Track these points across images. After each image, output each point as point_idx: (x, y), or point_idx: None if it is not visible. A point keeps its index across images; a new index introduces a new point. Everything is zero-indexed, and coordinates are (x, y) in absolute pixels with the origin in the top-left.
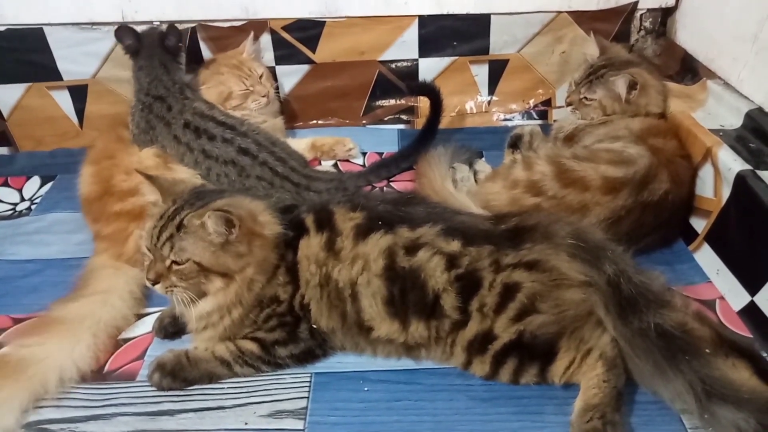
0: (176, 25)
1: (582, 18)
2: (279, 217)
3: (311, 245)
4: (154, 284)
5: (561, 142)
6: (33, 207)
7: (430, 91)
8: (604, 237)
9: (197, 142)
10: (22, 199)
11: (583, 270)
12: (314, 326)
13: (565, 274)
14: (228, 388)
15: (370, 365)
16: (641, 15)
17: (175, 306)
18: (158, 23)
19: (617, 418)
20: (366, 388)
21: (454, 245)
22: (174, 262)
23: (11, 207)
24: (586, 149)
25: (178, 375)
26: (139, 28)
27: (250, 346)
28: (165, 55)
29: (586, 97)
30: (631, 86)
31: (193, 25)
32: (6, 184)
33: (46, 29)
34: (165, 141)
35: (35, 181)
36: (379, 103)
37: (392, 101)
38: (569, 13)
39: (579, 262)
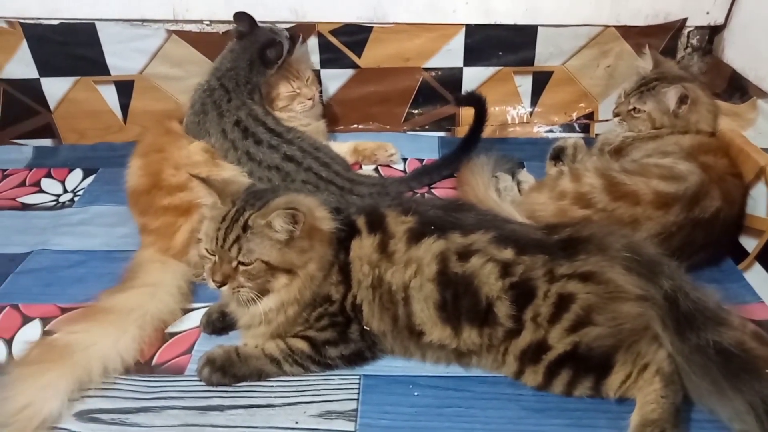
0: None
1: (629, 33)
2: (333, 214)
3: (364, 246)
4: (221, 286)
5: (607, 155)
6: (76, 199)
7: (477, 101)
8: (659, 251)
9: (243, 142)
10: (65, 191)
11: (639, 284)
12: (366, 328)
13: (622, 287)
14: (277, 386)
15: (418, 370)
16: (689, 32)
17: (227, 303)
18: (208, 22)
19: None
20: (416, 393)
21: (508, 253)
22: (241, 262)
23: (54, 198)
24: (636, 163)
25: (227, 371)
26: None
27: (301, 344)
28: (258, 57)
29: (635, 108)
30: (682, 99)
31: None
32: (49, 176)
33: (98, 24)
34: (212, 130)
35: (77, 173)
36: (421, 110)
37: (434, 108)
38: (617, 27)
39: (635, 276)
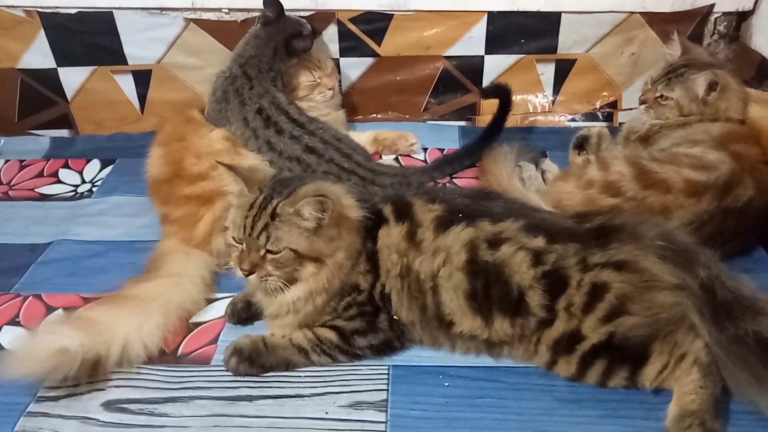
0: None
1: (655, 20)
2: (360, 202)
3: (391, 235)
4: (248, 275)
5: (633, 143)
6: (94, 189)
7: (503, 92)
8: (693, 240)
9: (264, 131)
10: (83, 182)
11: (675, 273)
12: (395, 317)
13: (657, 276)
14: (305, 376)
15: (448, 360)
16: (716, 18)
17: (253, 292)
18: (227, 11)
19: (717, 427)
20: (446, 384)
21: (539, 241)
22: (269, 251)
23: (73, 188)
24: (665, 152)
25: (255, 361)
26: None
27: (329, 334)
28: (284, 46)
29: (662, 96)
30: (711, 86)
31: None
32: (67, 166)
33: (115, 13)
34: (233, 119)
35: (95, 164)
36: (441, 98)
37: (454, 98)
38: (642, 14)
39: (670, 265)
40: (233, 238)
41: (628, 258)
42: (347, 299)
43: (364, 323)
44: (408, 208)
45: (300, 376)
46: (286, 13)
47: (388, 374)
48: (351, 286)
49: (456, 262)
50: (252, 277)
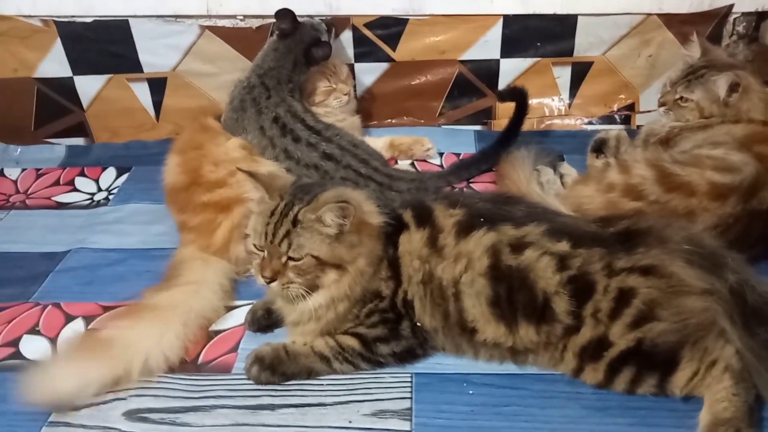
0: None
1: (672, 21)
2: (380, 208)
3: (413, 240)
4: (270, 282)
5: (653, 146)
6: (111, 197)
7: (519, 95)
8: (720, 244)
9: (281, 139)
10: (99, 190)
11: (703, 277)
12: (418, 324)
13: (685, 281)
14: (327, 385)
15: (471, 368)
16: (734, 19)
17: (273, 300)
18: (242, 17)
19: None
20: (471, 392)
21: (563, 246)
22: (290, 258)
23: (89, 197)
24: (687, 154)
25: (276, 369)
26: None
27: (351, 342)
28: (303, 56)
29: (682, 97)
30: (733, 87)
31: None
32: (83, 174)
33: (131, 21)
34: (250, 128)
35: (111, 172)
36: (456, 103)
37: (470, 102)
38: (659, 15)
39: (697, 269)
40: (254, 245)
41: (655, 262)
42: (369, 306)
43: (387, 330)
44: (429, 214)
45: (322, 385)
46: (302, 18)
47: (411, 382)
48: (373, 293)
49: (478, 267)
50: (274, 284)
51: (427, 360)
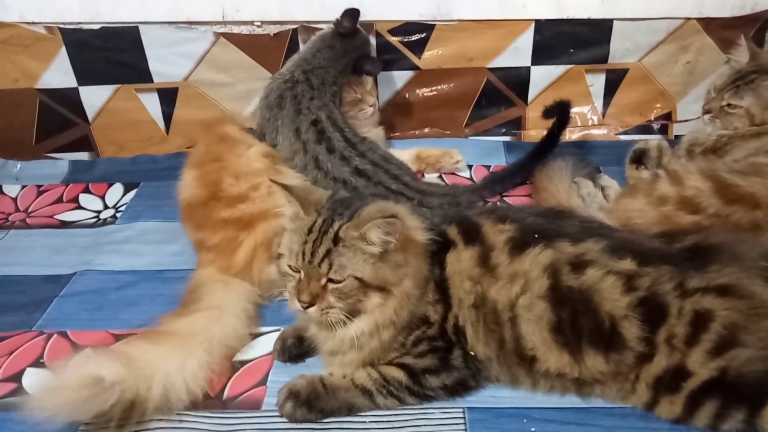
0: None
1: (711, 26)
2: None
3: (462, 259)
4: (308, 307)
5: (700, 156)
6: (118, 215)
7: (564, 109)
8: None
9: (315, 146)
10: (106, 207)
11: None
12: (471, 352)
13: None
14: (370, 422)
15: (529, 401)
16: None
17: (305, 326)
18: (259, 23)
19: None
20: (532, 429)
21: (627, 264)
22: (330, 279)
23: (95, 215)
24: (744, 163)
25: (313, 405)
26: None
27: (397, 373)
28: (353, 65)
29: (730, 104)
30: None
31: (295, 26)
32: (87, 191)
33: (141, 28)
34: (284, 128)
35: (118, 188)
36: (484, 113)
37: (498, 111)
38: (698, 20)
39: None
40: (290, 266)
41: (732, 282)
42: (416, 333)
43: (436, 360)
44: (476, 230)
45: (364, 422)
46: (326, 25)
47: (464, 418)
48: (420, 319)
49: (537, 289)
50: (312, 309)
51: (479, 393)
